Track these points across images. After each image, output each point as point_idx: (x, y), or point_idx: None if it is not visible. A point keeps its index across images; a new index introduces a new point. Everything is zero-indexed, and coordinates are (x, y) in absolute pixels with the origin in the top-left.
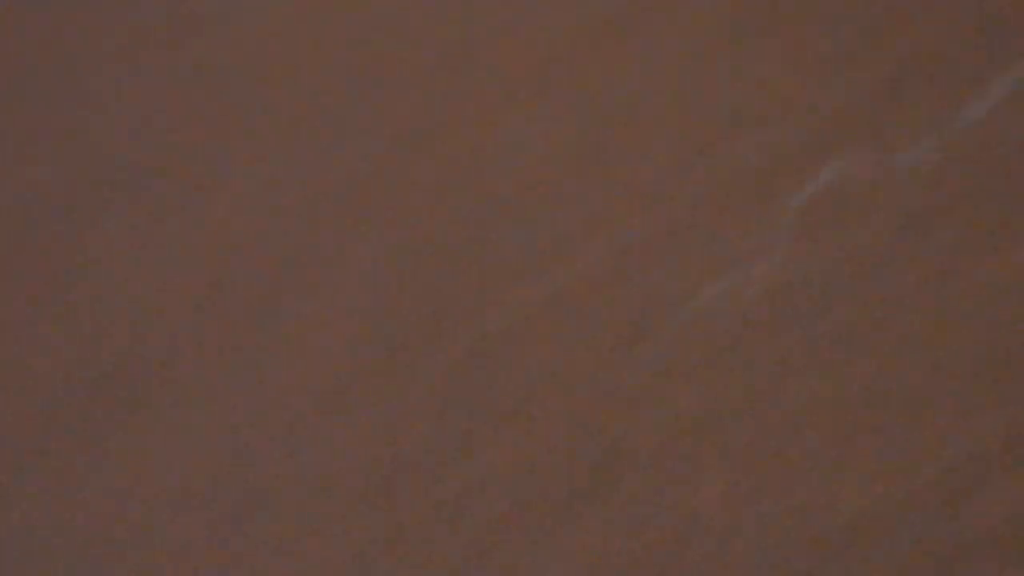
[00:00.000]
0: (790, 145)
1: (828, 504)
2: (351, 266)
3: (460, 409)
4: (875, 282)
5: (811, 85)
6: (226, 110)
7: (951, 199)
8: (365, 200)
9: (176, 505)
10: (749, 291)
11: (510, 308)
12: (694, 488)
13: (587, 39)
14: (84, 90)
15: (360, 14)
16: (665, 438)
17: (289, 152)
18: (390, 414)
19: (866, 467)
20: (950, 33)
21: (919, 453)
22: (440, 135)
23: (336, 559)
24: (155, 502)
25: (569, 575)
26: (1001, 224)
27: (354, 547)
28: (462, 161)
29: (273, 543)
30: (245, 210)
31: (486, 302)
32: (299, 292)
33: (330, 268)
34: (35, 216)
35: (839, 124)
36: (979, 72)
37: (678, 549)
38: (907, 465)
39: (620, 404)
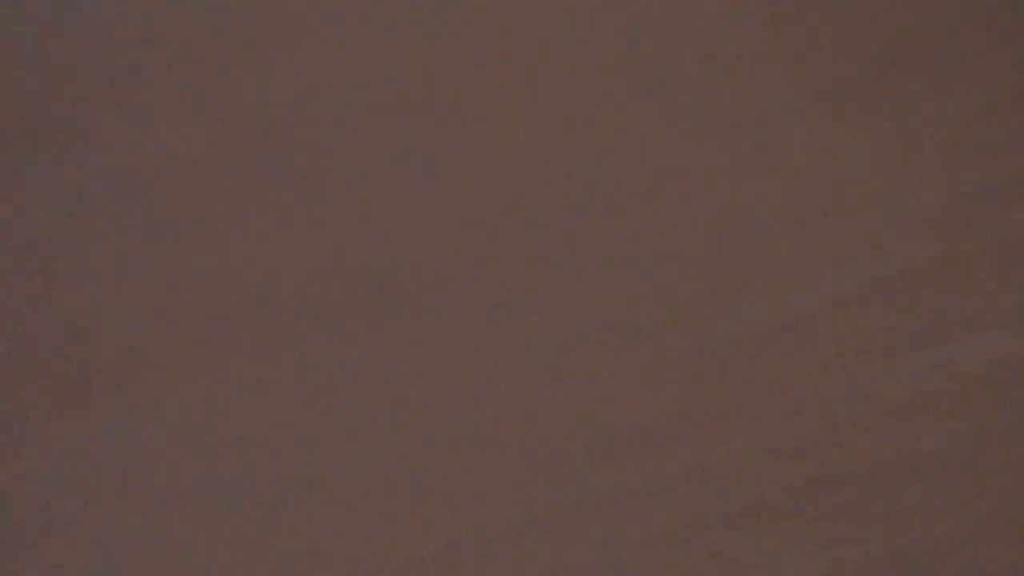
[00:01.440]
0: None
1: None
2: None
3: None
4: None
5: None
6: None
7: None
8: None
9: None
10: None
11: (748, 325)
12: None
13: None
14: None
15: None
16: (888, 468)
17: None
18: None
19: None
20: None
21: None
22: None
23: (552, 516)
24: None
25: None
26: None
27: (564, 505)
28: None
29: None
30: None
31: (722, 316)
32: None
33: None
34: None
35: None
36: None
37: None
38: None
39: (853, 430)
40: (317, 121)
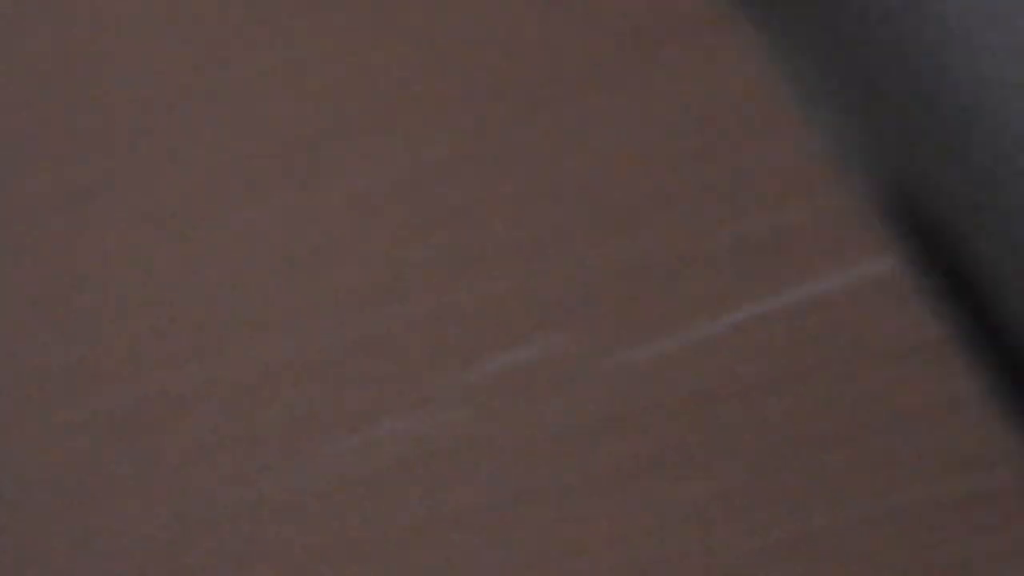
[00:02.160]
0: (507, 304)
1: None
2: None
3: None
4: (549, 470)
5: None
6: None
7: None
8: None
9: None
10: (431, 440)
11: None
12: None
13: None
14: None
15: None
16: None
17: None
18: None
19: None
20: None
21: None
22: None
23: None
24: None
25: None
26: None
27: None
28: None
29: None
30: None
31: None
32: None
33: None
34: None
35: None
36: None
37: None
38: None
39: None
40: None
